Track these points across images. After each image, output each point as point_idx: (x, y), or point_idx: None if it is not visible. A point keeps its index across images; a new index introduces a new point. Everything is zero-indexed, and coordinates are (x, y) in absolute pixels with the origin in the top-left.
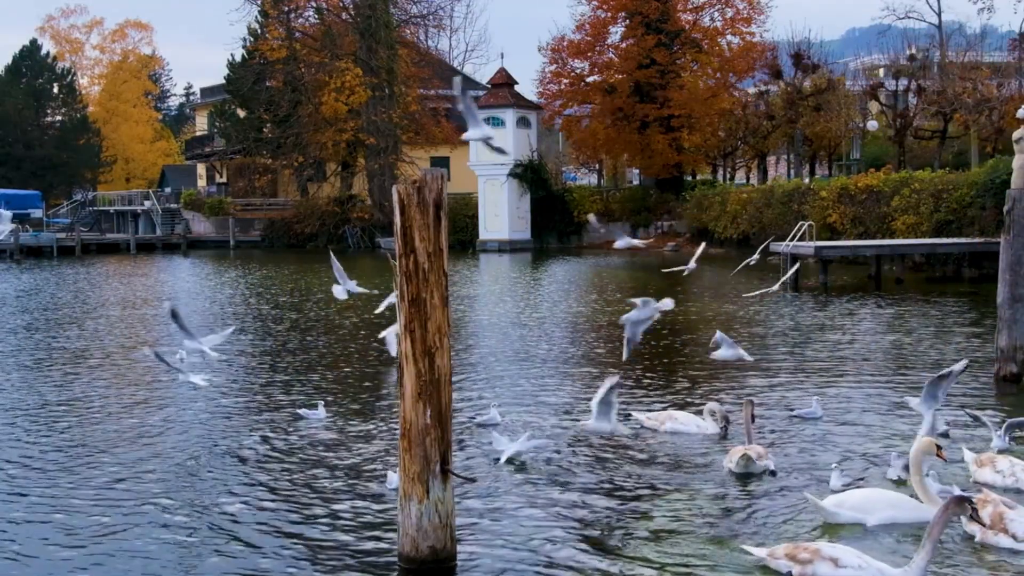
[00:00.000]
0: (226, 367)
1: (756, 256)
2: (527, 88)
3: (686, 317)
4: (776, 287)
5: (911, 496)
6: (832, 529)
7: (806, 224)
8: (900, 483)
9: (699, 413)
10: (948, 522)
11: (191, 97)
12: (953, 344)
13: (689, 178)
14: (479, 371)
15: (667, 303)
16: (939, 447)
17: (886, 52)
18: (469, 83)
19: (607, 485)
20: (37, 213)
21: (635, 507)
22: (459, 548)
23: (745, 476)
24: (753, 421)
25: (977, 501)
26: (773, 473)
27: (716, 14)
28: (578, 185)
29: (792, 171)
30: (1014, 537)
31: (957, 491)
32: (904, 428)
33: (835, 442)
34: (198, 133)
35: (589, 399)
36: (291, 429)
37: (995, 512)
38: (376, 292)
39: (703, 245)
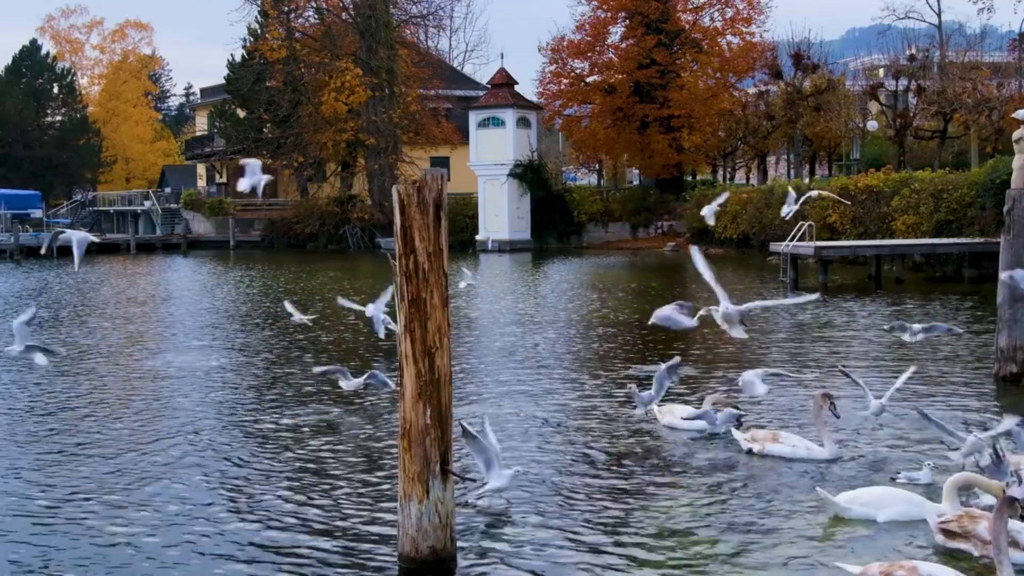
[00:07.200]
0: (227, 365)
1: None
2: (527, 88)
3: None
4: None
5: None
6: (842, 524)
7: (806, 224)
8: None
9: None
10: (1007, 526)
11: (191, 97)
12: (954, 343)
13: (689, 178)
14: (480, 370)
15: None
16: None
17: (886, 52)
18: (469, 83)
19: (608, 484)
20: (37, 213)
21: (637, 506)
22: (459, 548)
23: (736, 467)
24: (835, 411)
25: (967, 517)
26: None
27: (716, 14)
28: (578, 185)
29: (792, 171)
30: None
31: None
32: (904, 428)
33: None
34: (198, 133)
35: (590, 398)
36: (291, 427)
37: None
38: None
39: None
